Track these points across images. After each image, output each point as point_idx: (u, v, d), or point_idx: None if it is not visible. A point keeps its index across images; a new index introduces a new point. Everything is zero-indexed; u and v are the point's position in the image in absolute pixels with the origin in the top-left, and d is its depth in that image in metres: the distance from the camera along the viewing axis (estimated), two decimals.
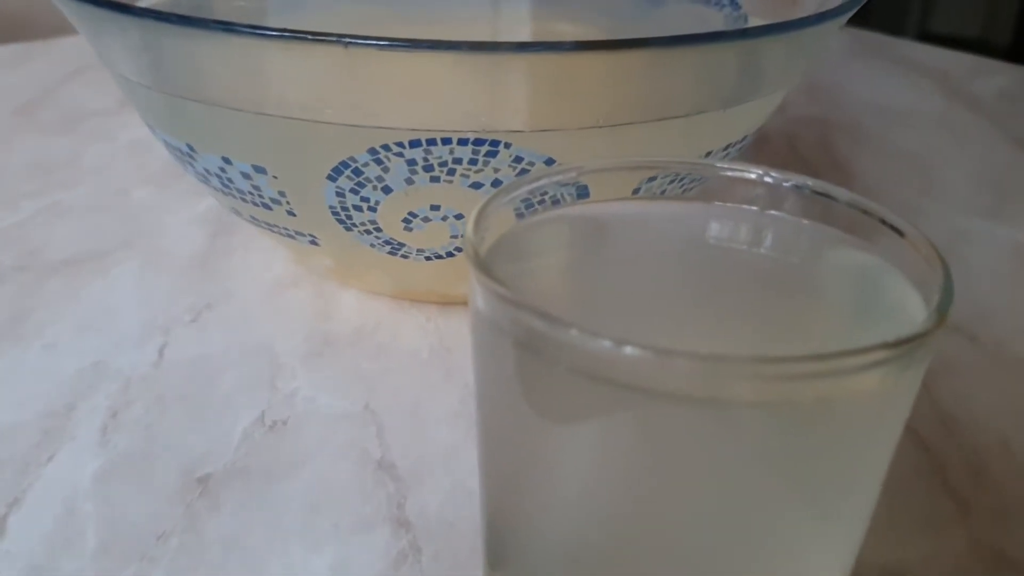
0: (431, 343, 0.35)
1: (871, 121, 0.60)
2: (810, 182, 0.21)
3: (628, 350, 0.16)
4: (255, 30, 0.25)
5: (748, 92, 0.30)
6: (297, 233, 0.32)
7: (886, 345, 0.16)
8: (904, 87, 0.67)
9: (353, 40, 0.24)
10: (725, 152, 0.32)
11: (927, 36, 1.80)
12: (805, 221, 0.21)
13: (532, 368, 0.18)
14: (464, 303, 0.37)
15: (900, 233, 0.19)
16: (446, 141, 0.27)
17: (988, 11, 1.88)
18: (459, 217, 0.30)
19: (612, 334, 0.16)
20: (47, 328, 0.35)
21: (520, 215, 0.21)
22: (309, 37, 0.24)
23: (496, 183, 0.28)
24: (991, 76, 0.71)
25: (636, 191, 0.24)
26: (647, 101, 0.28)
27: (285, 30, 0.25)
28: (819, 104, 0.62)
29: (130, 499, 0.27)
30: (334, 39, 0.24)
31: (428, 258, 0.32)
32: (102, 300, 0.37)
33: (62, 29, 0.67)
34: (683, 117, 0.29)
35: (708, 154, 0.32)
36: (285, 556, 0.25)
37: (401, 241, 0.31)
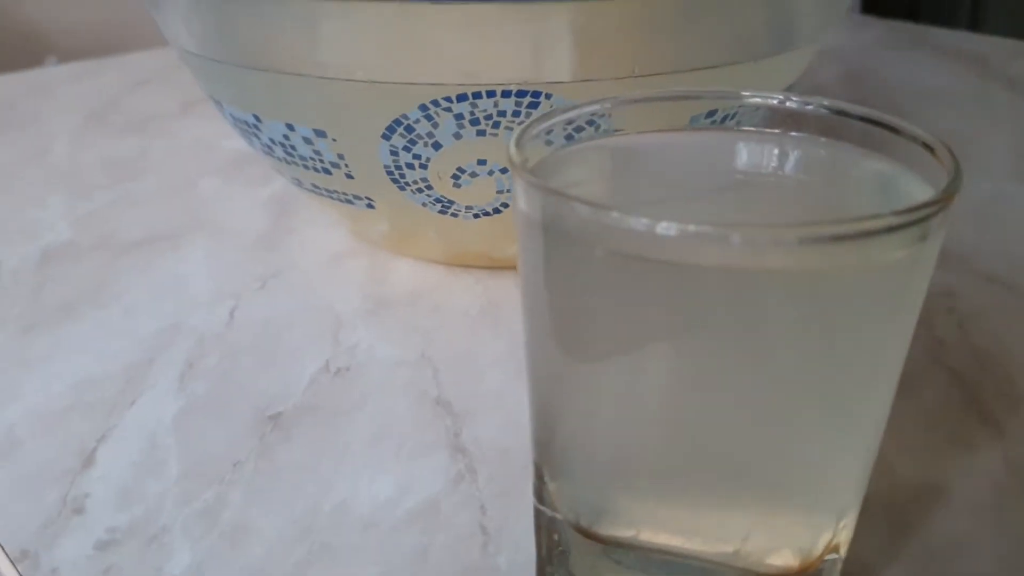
0: (481, 302, 0.37)
1: (909, 103, 0.61)
2: (826, 101, 0.22)
3: (663, 226, 0.17)
4: None
5: (778, 44, 0.32)
6: (355, 197, 0.35)
7: (896, 212, 0.17)
8: (940, 71, 0.68)
9: None
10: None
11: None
12: (823, 139, 0.23)
13: (571, 254, 0.19)
14: (511, 266, 0.39)
15: (915, 139, 0.21)
16: (491, 94, 0.29)
17: None
18: (504, 171, 0.32)
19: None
20: (125, 295, 0.38)
21: (552, 145, 0.23)
22: None
23: None
24: None
25: None
26: (679, 50, 0.30)
27: None
28: (856, 89, 0.63)
29: (207, 434, 0.29)
30: None
31: (476, 215, 0.34)
32: (174, 272, 0.40)
33: (130, 46, 0.71)
34: (715, 68, 0.31)
35: None
36: (353, 478, 0.27)
37: (451, 199, 0.33)
